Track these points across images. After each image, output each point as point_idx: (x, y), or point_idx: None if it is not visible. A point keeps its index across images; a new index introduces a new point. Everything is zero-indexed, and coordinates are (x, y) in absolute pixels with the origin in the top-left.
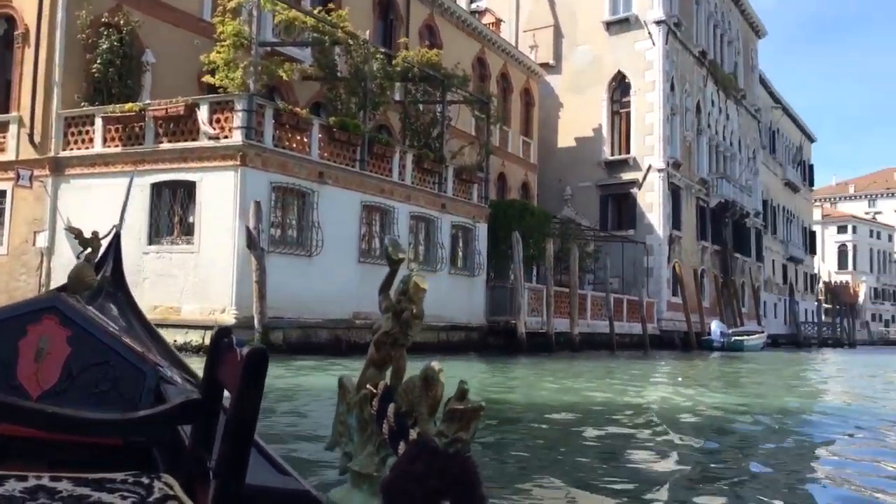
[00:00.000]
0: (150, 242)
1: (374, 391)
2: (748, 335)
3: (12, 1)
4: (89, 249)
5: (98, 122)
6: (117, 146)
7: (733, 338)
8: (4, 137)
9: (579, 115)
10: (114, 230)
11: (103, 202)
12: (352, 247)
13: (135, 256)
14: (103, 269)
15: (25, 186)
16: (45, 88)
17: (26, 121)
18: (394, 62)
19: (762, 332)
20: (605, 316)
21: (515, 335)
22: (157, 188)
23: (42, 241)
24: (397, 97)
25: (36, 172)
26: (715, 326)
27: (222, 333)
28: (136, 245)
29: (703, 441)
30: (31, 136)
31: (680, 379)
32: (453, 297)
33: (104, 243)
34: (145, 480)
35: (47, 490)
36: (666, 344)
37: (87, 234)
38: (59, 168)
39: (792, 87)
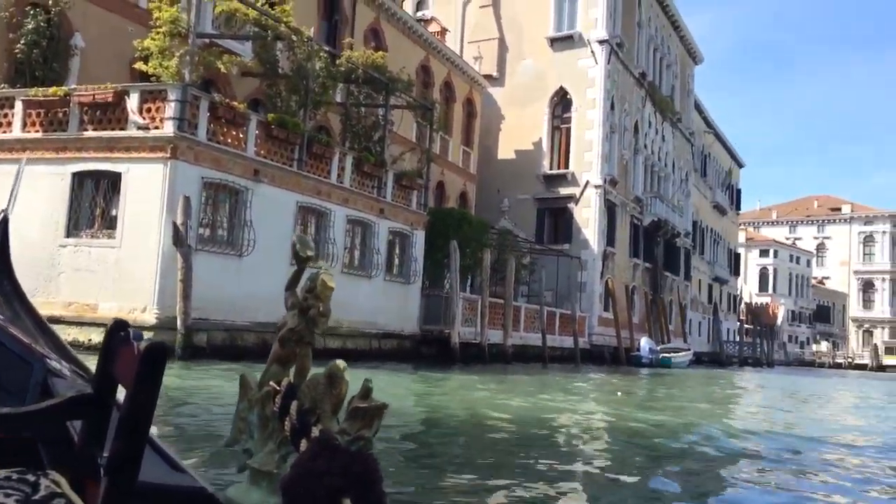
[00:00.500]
0: (68, 235)
1: (277, 388)
2: (675, 352)
3: None
4: None
5: (18, 105)
6: (38, 132)
7: (661, 354)
8: None
9: (520, 128)
10: (2, 215)
11: (22, 189)
12: (285, 248)
13: (50, 249)
14: None
15: None
16: None
17: None
18: (338, 62)
19: (689, 349)
20: (539, 329)
21: (449, 345)
22: (78, 178)
23: None
24: (339, 99)
25: None
26: (644, 343)
27: (118, 327)
28: (53, 237)
29: (617, 453)
30: None
31: (619, 394)
32: (387, 304)
33: None
34: (31, 477)
35: None
36: (596, 358)
37: None
38: None
39: (722, 111)
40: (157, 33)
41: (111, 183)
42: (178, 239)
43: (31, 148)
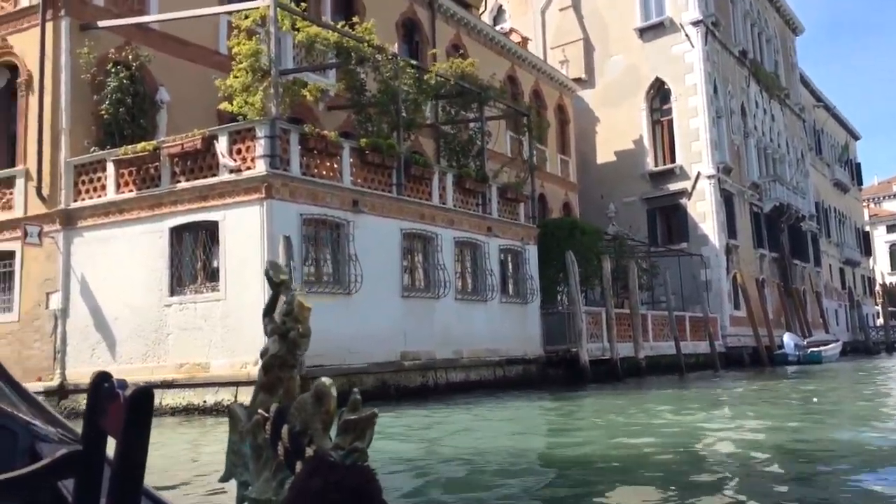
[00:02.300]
0: (172, 293)
1: (266, 415)
2: (823, 345)
3: (13, 48)
4: None
5: (110, 166)
6: (131, 191)
7: (809, 350)
8: (11, 193)
9: (617, 128)
10: None
11: (120, 253)
12: (394, 280)
13: (155, 310)
14: None
15: (35, 244)
16: (52, 137)
17: (33, 173)
18: (426, 76)
19: (836, 340)
20: (669, 336)
21: (578, 365)
22: (176, 232)
23: (56, 302)
24: (428, 121)
25: (46, 228)
26: (787, 339)
27: (102, 378)
28: (157, 297)
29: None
30: (38, 189)
31: (815, 400)
32: (507, 328)
33: None
34: None
35: None
36: (734, 361)
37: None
38: (70, 221)
39: (829, 82)
40: (239, 70)
41: (209, 233)
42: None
43: (127, 208)
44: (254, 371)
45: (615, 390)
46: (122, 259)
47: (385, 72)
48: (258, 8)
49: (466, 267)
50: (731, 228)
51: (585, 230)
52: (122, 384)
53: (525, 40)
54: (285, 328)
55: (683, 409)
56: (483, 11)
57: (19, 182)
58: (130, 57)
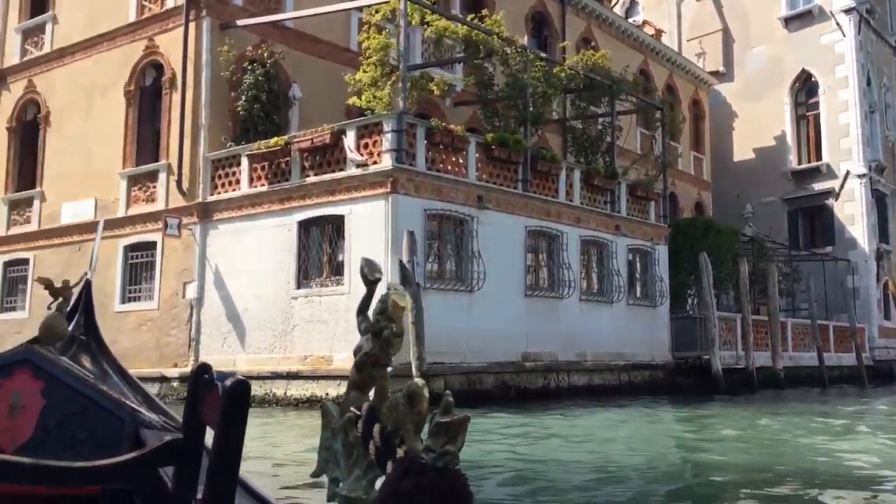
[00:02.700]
0: (299, 286)
1: (358, 413)
2: None
3: (159, 47)
4: (60, 299)
5: (244, 161)
6: (263, 185)
7: None
8: (154, 187)
9: (757, 124)
10: (84, 278)
11: (251, 246)
12: (517, 279)
13: (283, 303)
14: (75, 319)
15: (174, 236)
16: (192, 132)
17: (174, 168)
18: (555, 70)
19: None
20: (811, 346)
21: (709, 373)
22: (304, 226)
23: (192, 292)
24: (555, 116)
25: (184, 220)
26: None
27: (202, 370)
28: (285, 290)
29: None
30: (178, 182)
31: None
32: (633, 332)
33: (75, 292)
34: None
35: None
36: (883, 376)
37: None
38: (207, 214)
39: None
40: (368, 65)
41: (335, 227)
42: (406, 278)
43: (259, 202)
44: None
45: (749, 402)
46: (252, 251)
47: (513, 65)
48: (388, 2)
49: (592, 267)
50: (882, 232)
51: (721, 230)
52: (222, 376)
53: (659, 33)
54: (379, 327)
55: (827, 428)
56: (615, 4)
57: (162, 176)
58: (266, 55)
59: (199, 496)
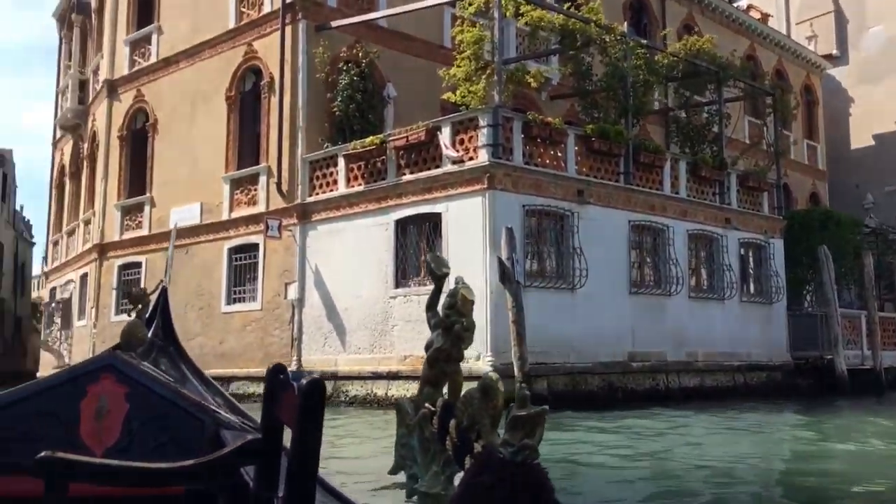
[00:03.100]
0: (397, 286)
1: (433, 409)
2: None
3: (258, 52)
4: (140, 306)
5: (340, 161)
6: (360, 185)
7: None
8: (255, 189)
9: (877, 108)
10: (161, 286)
11: (349, 246)
12: (621, 275)
13: (382, 302)
14: (154, 324)
15: (275, 237)
16: (290, 134)
17: (274, 170)
18: (657, 57)
19: None
20: None
21: (832, 374)
22: (401, 225)
23: (293, 292)
24: (656, 106)
25: (284, 221)
26: None
27: (277, 370)
28: (383, 289)
29: None
30: (278, 185)
31: None
32: (747, 331)
33: (153, 299)
34: None
35: None
36: None
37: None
38: (305, 215)
39: None
40: (462, 59)
41: (432, 225)
42: (505, 276)
43: (356, 202)
44: (476, 366)
45: (880, 405)
46: (351, 251)
47: (613, 53)
48: None
49: (701, 262)
50: None
51: (841, 222)
52: (297, 376)
53: (765, 17)
54: (449, 322)
55: None
56: None
57: (262, 178)
58: (360, 54)
59: (281, 494)
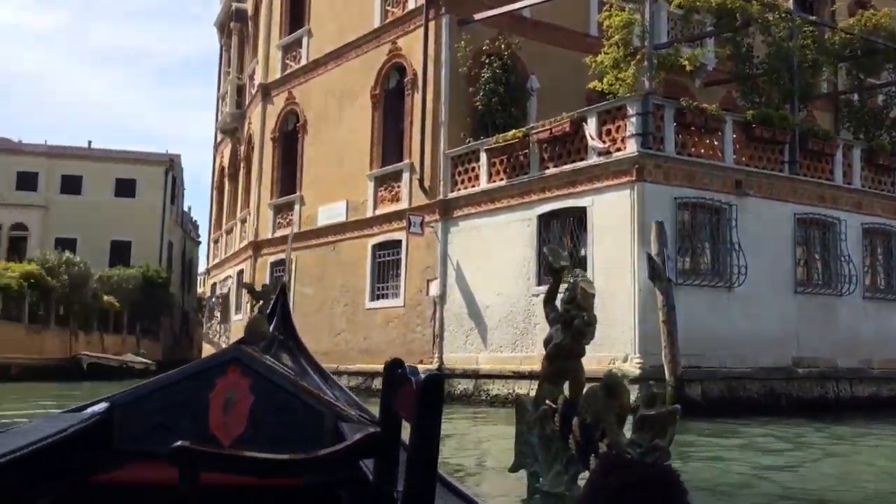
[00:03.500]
0: (540, 283)
1: (554, 406)
2: None
3: (402, 49)
4: (261, 302)
5: (482, 156)
6: (502, 179)
7: None
8: (398, 186)
9: None
10: (280, 283)
11: (491, 242)
12: (784, 273)
13: (524, 300)
14: (275, 320)
15: (417, 234)
16: (433, 130)
17: (417, 166)
18: (827, 35)
19: None
20: None
21: None
22: (544, 220)
23: (434, 289)
24: (825, 88)
25: (426, 218)
26: None
27: (395, 365)
28: (525, 286)
29: None
30: (421, 181)
31: None
32: None
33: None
34: None
35: None
36: None
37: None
38: (447, 211)
39: None
40: (610, 45)
41: (577, 220)
42: (655, 273)
43: (498, 197)
44: (623, 367)
45: None
46: (492, 247)
47: (777, 32)
48: None
49: (878, 259)
50: None
51: None
52: (414, 371)
53: None
54: (569, 316)
55: None
56: None
57: (405, 175)
58: (503, 47)
59: (400, 489)
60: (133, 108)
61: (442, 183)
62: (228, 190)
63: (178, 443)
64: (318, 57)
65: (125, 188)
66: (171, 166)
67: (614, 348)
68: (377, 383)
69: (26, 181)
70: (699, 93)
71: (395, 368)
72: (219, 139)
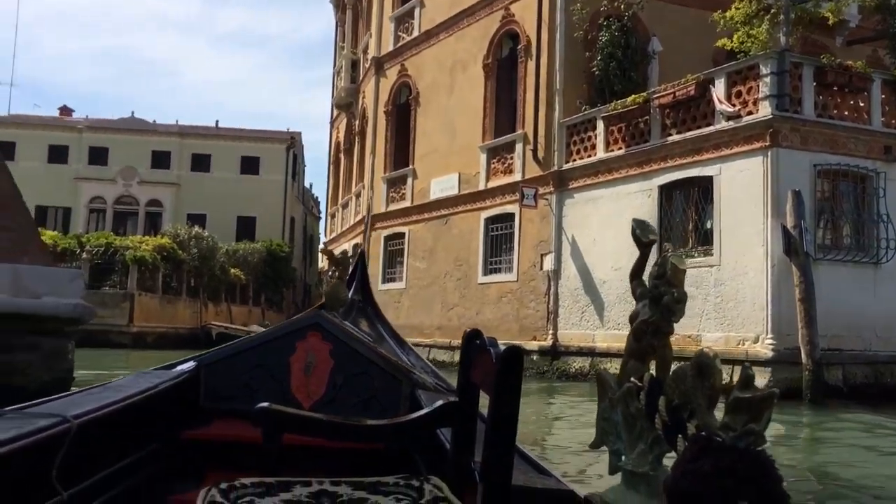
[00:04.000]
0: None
1: (639, 384)
2: None
3: (514, 15)
4: (341, 268)
5: (599, 124)
6: (620, 148)
7: None
8: (511, 158)
9: None
10: (360, 250)
11: (608, 214)
12: None
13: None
14: (353, 287)
15: (530, 206)
16: (547, 99)
17: (530, 137)
18: None
19: None
20: None
21: None
22: (665, 190)
23: (549, 263)
24: None
25: (540, 190)
26: None
27: (473, 336)
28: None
29: None
30: (534, 152)
31: None
32: None
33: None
34: (415, 483)
35: (329, 494)
36: None
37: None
38: (562, 182)
39: None
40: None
41: (702, 190)
42: (791, 247)
43: (615, 167)
44: (754, 349)
45: None
46: (609, 220)
47: None
48: None
49: None
50: None
51: None
52: (493, 342)
53: None
54: (658, 292)
55: None
56: None
57: (518, 146)
58: (622, 7)
59: (477, 459)
60: (258, 89)
61: (556, 153)
62: (344, 165)
63: (262, 404)
64: (430, 28)
65: (250, 165)
66: (292, 143)
67: (744, 328)
68: None
69: (160, 160)
70: (840, 52)
71: (473, 339)
72: (334, 115)
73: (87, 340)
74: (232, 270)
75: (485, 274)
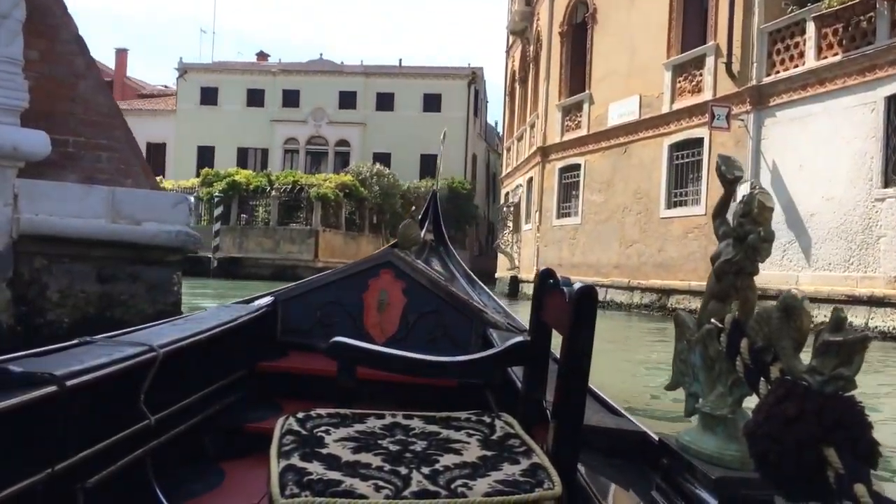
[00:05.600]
0: (887, 184)
1: (720, 325)
2: None
3: None
4: (414, 208)
5: (809, 27)
6: (836, 54)
7: None
8: (700, 74)
9: None
10: (432, 189)
11: (818, 134)
12: None
13: (863, 206)
14: (426, 226)
15: (722, 128)
16: (745, 2)
17: (723, 48)
18: None
19: None
20: None
21: None
22: (892, 103)
23: (740, 195)
24: None
25: (734, 109)
26: None
27: (546, 275)
28: (865, 189)
29: None
30: (728, 65)
31: None
32: None
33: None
34: (486, 419)
35: (402, 427)
36: None
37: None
38: (761, 99)
39: None
40: None
41: None
42: None
43: (829, 77)
44: None
45: None
46: (820, 142)
47: None
48: None
49: None
50: None
51: None
52: (567, 282)
53: None
54: (743, 231)
55: None
56: None
57: (709, 60)
58: None
59: (549, 399)
60: (438, 25)
61: (755, 65)
62: (519, 95)
63: (337, 338)
64: None
65: (432, 103)
66: (473, 79)
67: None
68: (673, 301)
69: (347, 100)
70: None
71: (546, 278)
72: (510, 42)
73: (279, 275)
74: (412, 208)
75: (668, 207)
